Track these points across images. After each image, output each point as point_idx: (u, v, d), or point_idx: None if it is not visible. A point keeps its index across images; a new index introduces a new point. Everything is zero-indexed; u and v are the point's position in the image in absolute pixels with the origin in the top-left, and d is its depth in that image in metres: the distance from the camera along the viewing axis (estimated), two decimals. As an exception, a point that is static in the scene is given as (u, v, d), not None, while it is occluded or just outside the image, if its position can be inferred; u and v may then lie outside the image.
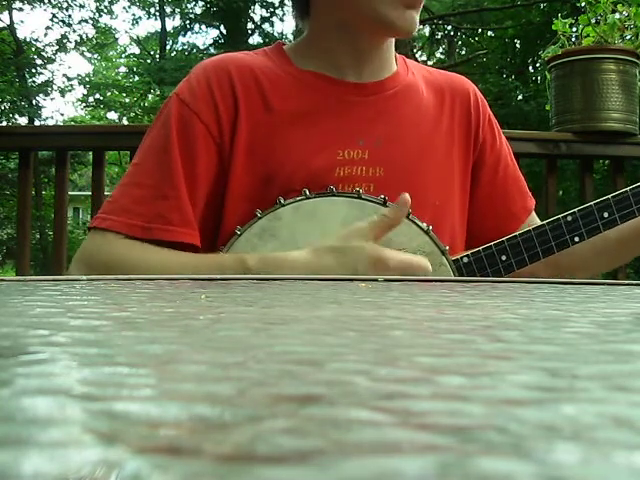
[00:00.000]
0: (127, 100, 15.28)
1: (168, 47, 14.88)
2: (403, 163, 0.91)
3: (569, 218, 0.92)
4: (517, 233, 0.91)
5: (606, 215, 0.93)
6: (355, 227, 0.81)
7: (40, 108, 13.39)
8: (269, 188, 0.86)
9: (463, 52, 13.16)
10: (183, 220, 0.85)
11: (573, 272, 1.00)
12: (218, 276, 0.56)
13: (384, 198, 0.84)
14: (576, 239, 0.92)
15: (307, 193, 0.83)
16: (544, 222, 0.92)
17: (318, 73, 0.92)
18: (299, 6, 0.96)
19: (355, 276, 0.68)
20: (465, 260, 0.88)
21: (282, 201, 0.83)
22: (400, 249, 0.83)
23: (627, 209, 0.93)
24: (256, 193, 0.86)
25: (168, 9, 14.52)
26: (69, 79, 14.44)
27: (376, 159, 0.89)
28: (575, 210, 0.93)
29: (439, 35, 13.06)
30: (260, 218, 0.83)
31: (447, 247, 0.86)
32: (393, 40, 0.96)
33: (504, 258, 0.89)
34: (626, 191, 0.94)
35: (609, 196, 0.94)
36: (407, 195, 0.82)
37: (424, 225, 0.85)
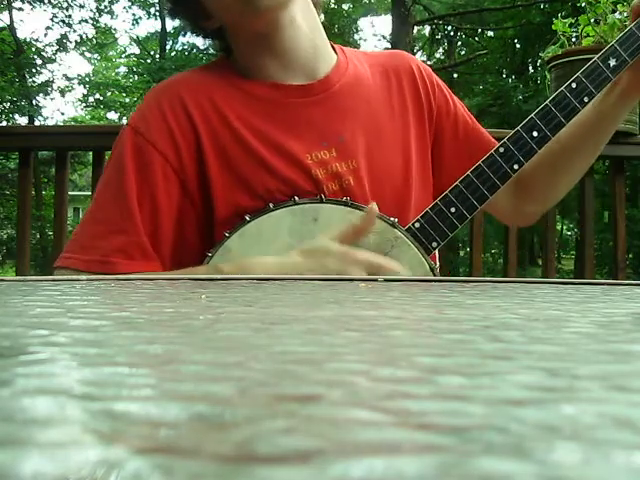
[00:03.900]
0: (127, 100, 15.28)
1: (168, 47, 14.88)
2: (369, 151, 0.92)
3: (501, 150, 0.92)
4: (457, 182, 0.90)
5: (535, 134, 0.93)
6: (323, 234, 0.82)
7: (40, 108, 13.42)
8: (257, 201, 0.86)
9: (463, 52, 13.16)
10: (144, 254, 0.85)
11: (539, 190, 1.03)
12: (218, 276, 0.56)
13: (321, 196, 0.85)
14: (515, 167, 0.92)
15: (247, 218, 0.83)
16: (479, 162, 0.92)
17: (263, 82, 0.92)
18: (219, 42, 0.97)
19: (354, 277, 0.68)
20: (417, 225, 0.88)
21: (227, 234, 0.83)
22: None
23: (553, 121, 0.93)
24: (246, 209, 0.85)
25: (168, 9, 14.49)
26: (69, 79, 14.45)
27: (345, 154, 0.90)
28: (505, 140, 0.93)
29: (439, 35, 13.07)
30: (212, 257, 0.83)
31: (396, 219, 0.86)
32: (317, 33, 0.94)
33: (453, 210, 0.89)
34: (546, 104, 0.94)
35: (532, 115, 0.94)
36: (375, 205, 0.83)
37: (367, 207, 0.85)
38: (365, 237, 0.84)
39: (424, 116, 0.98)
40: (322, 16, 0.99)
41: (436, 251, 0.91)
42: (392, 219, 0.86)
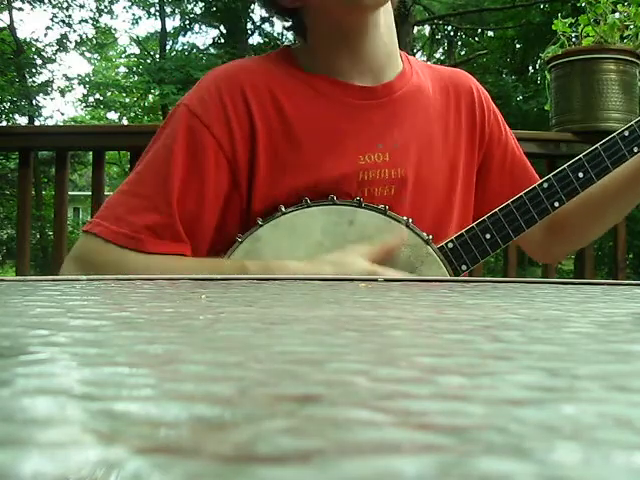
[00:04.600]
0: (127, 100, 15.29)
1: (168, 47, 14.89)
2: (418, 163, 0.92)
3: (545, 185, 0.92)
4: (497, 209, 0.90)
5: (581, 175, 0.93)
6: (354, 246, 0.82)
7: (40, 108, 13.43)
8: (294, 199, 0.85)
9: (463, 52, 13.16)
10: (174, 237, 0.84)
11: (571, 233, 1.03)
12: (218, 276, 0.56)
13: (359, 200, 0.84)
14: (556, 204, 0.92)
15: (283, 209, 0.83)
16: (521, 193, 0.91)
17: (327, 77, 0.91)
18: (295, 24, 0.96)
19: (356, 277, 0.68)
20: (450, 245, 0.88)
21: (260, 222, 0.83)
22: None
23: (600, 165, 0.93)
24: (288, 201, 0.85)
25: (168, 9, 14.53)
26: (69, 79, 14.45)
27: (397, 161, 0.90)
28: (550, 176, 0.93)
29: (439, 35, 13.06)
30: (241, 242, 0.83)
31: (430, 236, 0.86)
32: (393, 38, 0.95)
33: (488, 236, 0.89)
34: (596, 147, 0.93)
35: (581, 155, 0.94)
36: (405, 233, 0.84)
37: (403, 219, 0.85)
38: (399, 250, 0.84)
39: (475, 139, 0.98)
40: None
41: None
42: (427, 236, 0.85)
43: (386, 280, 0.54)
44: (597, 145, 0.94)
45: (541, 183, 0.92)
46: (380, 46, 0.92)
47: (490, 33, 12.66)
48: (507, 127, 1.04)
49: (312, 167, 0.87)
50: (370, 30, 0.90)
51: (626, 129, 0.94)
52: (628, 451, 0.10)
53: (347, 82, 0.91)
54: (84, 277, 0.51)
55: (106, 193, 2.05)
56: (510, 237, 0.90)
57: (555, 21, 1.92)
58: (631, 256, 8.88)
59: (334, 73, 0.91)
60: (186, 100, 0.88)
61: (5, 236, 11.84)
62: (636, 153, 0.94)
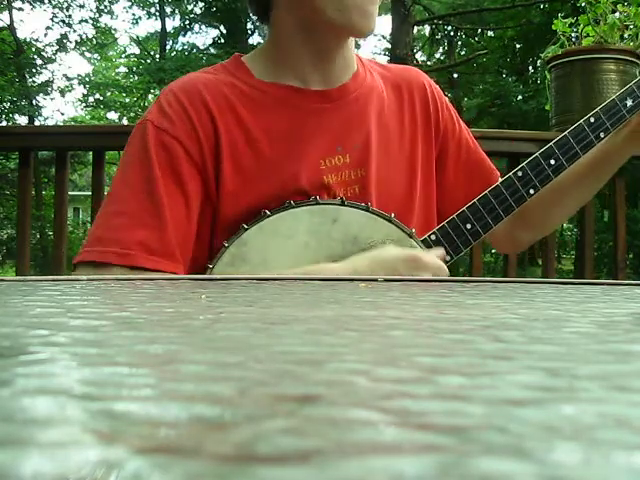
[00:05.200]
0: (127, 100, 15.29)
1: (168, 47, 14.90)
2: (377, 162, 0.92)
3: (519, 173, 0.96)
4: (476, 199, 0.93)
5: (553, 162, 0.96)
6: (389, 247, 0.85)
7: (40, 108, 13.43)
8: (262, 207, 0.85)
9: (463, 52, 13.16)
10: (165, 251, 0.82)
11: (536, 220, 1.07)
12: (218, 276, 0.56)
13: (342, 199, 0.85)
14: (531, 191, 0.95)
15: (267, 212, 0.83)
16: (497, 183, 0.95)
17: (282, 84, 0.91)
18: (259, 9, 0.94)
19: (356, 276, 0.68)
20: (433, 238, 0.91)
21: (245, 226, 0.83)
22: (369, 242, 0.85)
23: (570, 151, 0.96)
24: (250, 215, 0.84)
25: (168, 9, 14.54)
26: (69, 79, 14.45)
27: (357, 161, 0.91)
28: (523, 164, 0.96)
29: (439, 35, 13.06)
30: (227, 247, 0.83)
31: (413, 230, 0.88)
32: (351, 46, 0.95)
33: (469, 226, 0.92)
34: (565, 135, 0.97)
35: (551, 143, 0.97)
36: (442, 253, 0.87)
37: (386, 214, 0.86)
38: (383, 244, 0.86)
39: (431, 132, 0.99)
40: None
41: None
42: (410, 229, 0.87)
43: (386, 280, 0.54)
44: (566, 132, 0.97)
45: (515, 172, 0.95)
46: (340, 55, 0.93)
47: (490, 33, 12.66)
48: (461, 121, 1.05)
49: (276, 174, 0.87)
50: (341, 45, 0.92)
51: (591, 116, 0.97)
52: (628, 451, 0.10)
53: (303, 87, 0.91)
54: (84, 277, 0.51)
55: (106, 193, 2.05)
56: (490, 226, 0.93)
57: (555, 21, 1.92)
58: (631, 256, 8.88)
59: (288, 78, 0.91)
60: (149, 117, 0.86)
61: (5, 236, 11.84)
62: (603, 138, 0.97)
